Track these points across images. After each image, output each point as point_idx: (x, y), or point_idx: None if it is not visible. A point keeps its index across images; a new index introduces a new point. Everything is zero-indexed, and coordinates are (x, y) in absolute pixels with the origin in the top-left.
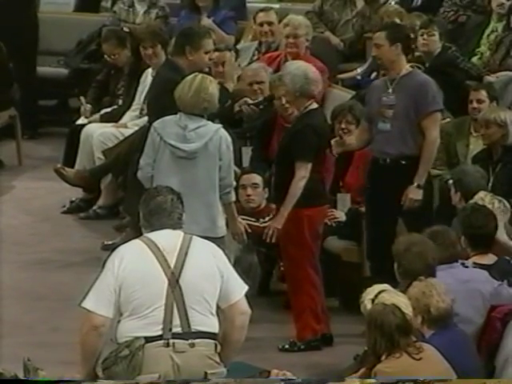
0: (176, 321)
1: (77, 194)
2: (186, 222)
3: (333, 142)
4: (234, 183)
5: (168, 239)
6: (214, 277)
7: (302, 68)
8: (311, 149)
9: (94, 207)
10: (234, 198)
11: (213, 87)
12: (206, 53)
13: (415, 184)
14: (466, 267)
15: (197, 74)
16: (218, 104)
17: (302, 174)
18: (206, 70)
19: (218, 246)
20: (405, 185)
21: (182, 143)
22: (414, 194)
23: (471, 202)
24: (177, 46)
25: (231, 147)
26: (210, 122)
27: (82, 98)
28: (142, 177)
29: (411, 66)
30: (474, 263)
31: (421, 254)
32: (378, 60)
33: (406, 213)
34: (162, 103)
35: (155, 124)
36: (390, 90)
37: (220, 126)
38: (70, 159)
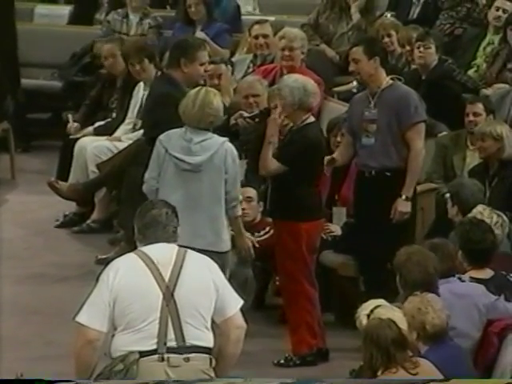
0: (171, 335)
1: (70, 207)
2: (192, 235)
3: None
4: (241, 197)
5: (163, 253)
6: (209, 291)
7: (301, 81)
8: (297, 158)
9: (88, 221)
10: (240, 212)
11: (217, 101)
12: (201, 64)
13: (403, 196)
14: (463, 281)
15: (200, 87)
16: (223, 117)
17: (272, 169)
18: (201, 82)
19: (222, 261)
20: (391, 196)
21: (187, 156)
22: (403, 206)
23: (469, 215)
24: (171, 58)
25: (237, 160)
26: (215, 136)
27: (69, 116)
28: (147, 190)
29: (391, 79)
30: (471, 277)
31: (420, 264)
32: (357, 75)
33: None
34: (157, 117)
35: (161, 137)
36: (372, 105)
37: (226, 139)
38: (63, 173)
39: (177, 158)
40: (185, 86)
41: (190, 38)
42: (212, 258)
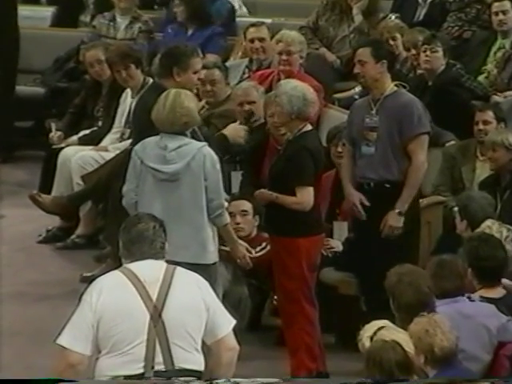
0: (158, 358)
1: (54, 222)
2: (175, 247)
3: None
4: (226, 204)
5: (150, 270)
6: (199, 310)
7: (300, 88)
8: (309, 172)
9: (72, 236)
10: (228, 220)
11: (188, 101)
12: (195, 72)
13: (396, 210)
14: (472, 301)
15: (169, 90)
16: (199, 118)
17: (305, 198)
18: (195, 91)
19: (209, 273)
20: (391, 210)
21: (163, 165)
22: (394, 220)
23: (478, 230)
24: (163, 67)
25: (218, 166)
26: (192, 141)
27: (52, 124)
28: (126, 204)
29: (396, 85)
30: (481, 297)
31: (412, 284)
32: (361, 78)
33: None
34: (143, 128)
35: (136, 147)
36: (374, 111)
37: (204, 143)
38: (46, 185)
39: (152, 168)
40: None
41: (182, 44)
42: (198, 271)
